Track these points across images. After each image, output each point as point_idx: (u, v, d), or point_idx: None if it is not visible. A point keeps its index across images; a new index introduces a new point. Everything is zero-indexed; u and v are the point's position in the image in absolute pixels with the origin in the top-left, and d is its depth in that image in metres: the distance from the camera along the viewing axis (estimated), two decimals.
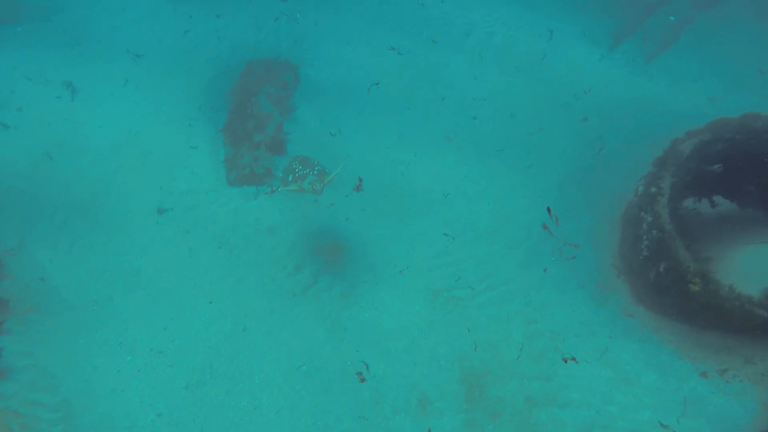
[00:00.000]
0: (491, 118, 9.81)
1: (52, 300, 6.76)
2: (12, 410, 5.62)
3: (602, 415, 5.93)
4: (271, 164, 8.64)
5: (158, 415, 6.05)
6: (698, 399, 6.01)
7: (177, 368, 6.44)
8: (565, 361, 6.37)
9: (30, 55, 9.96)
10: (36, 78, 9.51)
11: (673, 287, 6.68)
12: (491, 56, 11.07)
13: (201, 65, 10.29)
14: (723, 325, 6.60)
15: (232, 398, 6.25)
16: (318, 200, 8.00)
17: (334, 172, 6.61)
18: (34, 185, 8.05)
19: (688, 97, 10.17)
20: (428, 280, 7.47)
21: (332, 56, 10.76)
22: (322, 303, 7.17)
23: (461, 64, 10.80)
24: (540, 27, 11.44)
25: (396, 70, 10.54)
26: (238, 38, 10.97)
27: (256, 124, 8.94)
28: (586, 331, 6.99)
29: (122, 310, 6.90)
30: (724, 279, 6.29)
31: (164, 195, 8.18)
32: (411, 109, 9.93)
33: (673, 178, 7.16)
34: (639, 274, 7.44)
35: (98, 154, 8.59)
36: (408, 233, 8.05)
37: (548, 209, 7.15)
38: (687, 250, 6.68)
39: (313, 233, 7.98)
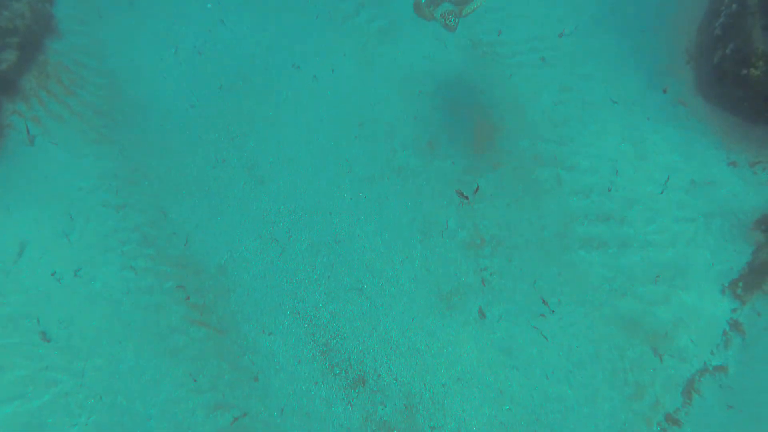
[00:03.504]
0: None
1: None
2: (64, 65, 6.59)
3: (604, 181, 6.03)
4: None
5: (191, 106, 6.83)
6: (713, 182, 5.89)
7: (214, 69, 7.05)
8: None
9: None
10: None
11: (734, 70, 6.17)
12: None
13: None
14: None
15: (259, 104, 6.83)
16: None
17: (477, 2, 5.34)
18: None
19: None
20: (473, 32, 7.30)
21: None
22: (359, 35, 7.32)
23: None
24: None
25: None
26: None
27: None
28: (624, 108, 6.76)
29: (172, 3, 7.44)
30: None
31: None
32: None
33: None
34: (706, 57, 6.87)
35: None
36: None
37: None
38: (764, 31, 5.99)
39: None
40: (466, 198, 5.86)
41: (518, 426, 4.80)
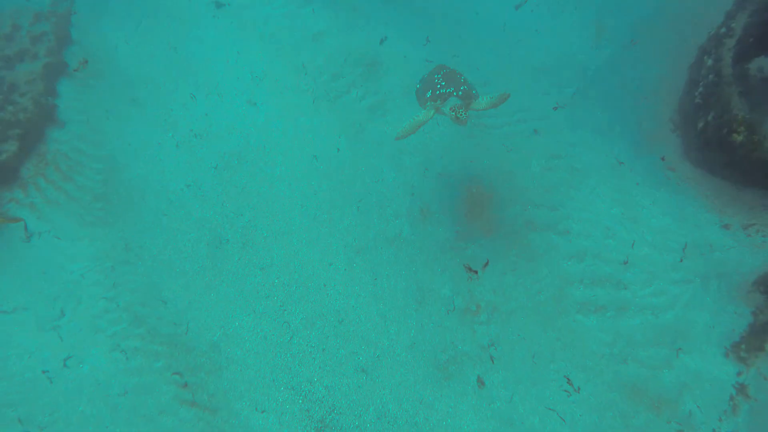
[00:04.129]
0: None
1: (112, 71, 7.79)
2: (63, 152, 6.83)
3: (598, 245, 6.07)
4: None
5: (187, 185, 7.00)
6: (707, 245, 5.91)
7: (210, 150, 7.30)
8: None
9: None
10: None
11: (717, 136, 6.38)
12: None
13: None
14: (763, 180, 6.30)
15: (254, 184, 7.01)
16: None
17: (486, 100, 5.38)
18: None
19: None
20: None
21: None
22: (350, 111, 7.63)
23: None
24: None
25: None
26: None
27: None
28: (612, 173, 6.92)
29: (172, 92, 7.81)
30: None
31: None
32: None
33: (750, 19, 6.52)
34: (690, 125, 7.11)
35: None
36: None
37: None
38: (741, 98, 6.25)
39: (353, 48, 8.29)
40: (475, 272, 5.83)
41: None
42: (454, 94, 5.24)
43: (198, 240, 6.26)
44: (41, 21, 7.77)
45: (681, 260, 5.71)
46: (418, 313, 5.59)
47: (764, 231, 5.94)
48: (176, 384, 5.17)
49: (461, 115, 5.05)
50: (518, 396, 4.96)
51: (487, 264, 5.83)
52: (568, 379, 4.97)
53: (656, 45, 8.40)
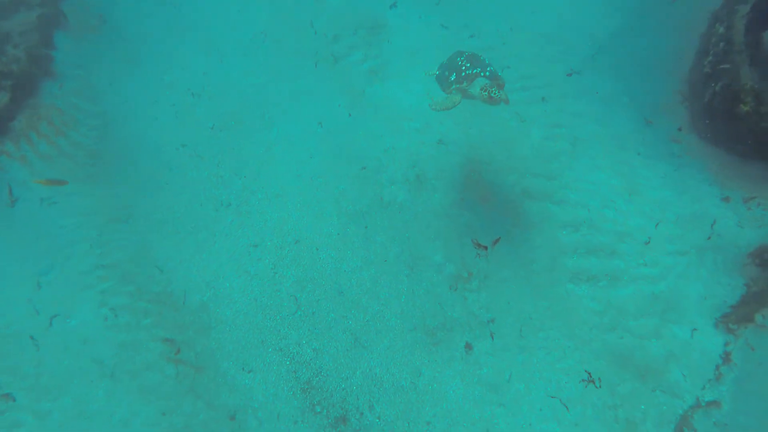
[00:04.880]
0: None
1: (108, 29, 7.73)
2: (57, 107, 6.81)
3: (594, 215, 6.02)
4: None
5: (182, 145, 6.98)
6: (704, 216, 5.87)
7: (207, 110, 7.26)
8: None
9: None
10: None
11: (724, 107, 6.25)
12: None
13: None
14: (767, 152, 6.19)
15: (251, 145, 6.97)
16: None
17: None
18: None
19: None
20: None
21: None
22: (350, 74, 7.54)
23: None
24: None
25: None
26: None
27: None
28: (614, 144, 6.82)
29: (169, 48, 7.74)
30: None
31: None
32: None
33: None
34: (698, 96, 6.97)
35: None
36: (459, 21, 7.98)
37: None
38: (751, 67, 6.10)
39: (359, 6, 8.15)
40: (485, 248, 5.72)
41: None
42: (481, 74, 4.95)
43: (191, 200, 6.26)
44: None
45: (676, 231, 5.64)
46: (409, 279, 5.60)
47: (765, 204, 5.87)
48: (163, 341, 5.23)
49: (495, 93, 4.75)
50: (505, 363, 4.98)
51: (498, 241, 5.71)
52: (589, 374, 4.89)
53: (666, 13, 8.19)
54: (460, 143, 6.62)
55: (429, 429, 4.73)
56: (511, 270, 5.51)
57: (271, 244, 5.97)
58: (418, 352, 5.14)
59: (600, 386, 4.75)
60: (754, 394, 4.43)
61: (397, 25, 7.92)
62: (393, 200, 6.19)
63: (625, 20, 8.28)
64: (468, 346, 5.12)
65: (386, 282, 5.59)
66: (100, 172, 6.41)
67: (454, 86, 5.10)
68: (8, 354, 5.14)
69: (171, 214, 6.16)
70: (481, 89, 4.82)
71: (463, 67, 5.09)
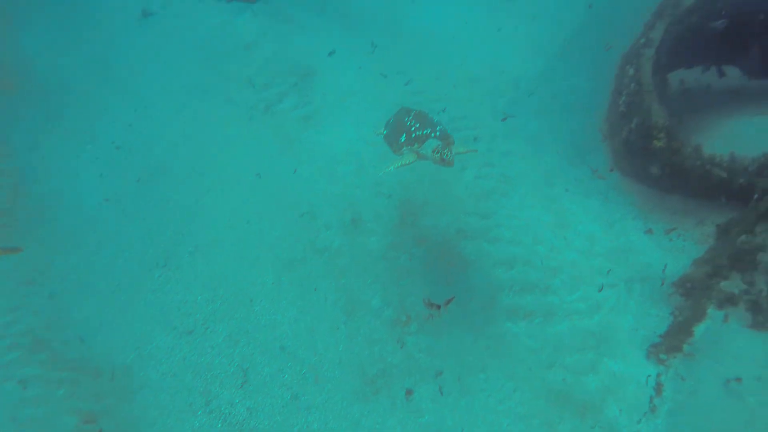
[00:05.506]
0: None
1: (27, 81, 7.46)
2: None
3: (527, 251, 6.13)
4: None
5: (106, 200, 6.73)
6: (631, 249, 6.08)
7: (133, 163, 7.05)
8: None
9: None
10: None
11: (640, 143, 6.58)
12: None
13: None
14: (684, 186, 6.49)
15: (180, 196, 6.80)
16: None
17: (463, 146, 5.16)
18: None
19: None
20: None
21: None
22: (282, 121, 7.53)
23: None
24: None
25: None
26: None
27: None
28: (543, 181, 7.03)
29: (93, 101, 7.53)
30: (713, 149, 6.16)
31: None
32: None
33: (667, 29, 6.81)
34: (617, 133, 7.34)
35: None
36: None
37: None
38: (660, 105, 6.49)
39: (289, 55, 8.22)
40: (437, 307, 5.52)
41: None
42: (432, 135, 4.92)
43: (114, 257, 5.99)
44: None
45: (606, 266, 5.81)
46: (347, 326, 5.49)
47: (685, 235, 6.14)
48: (79, 414, 4.86)
49: (447, 155, 4.69)
50: (447, 408, 4.90)
51: (451, 300, 5.55)
52: None
53: (587, 56, 8.67)
54: (395, 186, 6.66)
55: None
56: (450, 311, 5.50)
57: (201, 298, 5.75)
58: (357, 403, 4.99)
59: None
60: (687, 425, 4.51)
61: (329, 72, 8.02)
62: (329, 246, 6.12)
63: (548, 63, 8.69)
64: (408, 392, 5.01)
65: (323, 330, 5.45)
66: (13, 232, 6.05)
67: (405, 147, 5.04)
68: None
69: (91, 273, 5.86)
70: (433, 151, 4.78)
71: (413, 128, 5.03)
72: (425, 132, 4.95)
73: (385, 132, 5.42)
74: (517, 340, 5.26)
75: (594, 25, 9.01)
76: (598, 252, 5.99)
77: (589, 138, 7.73)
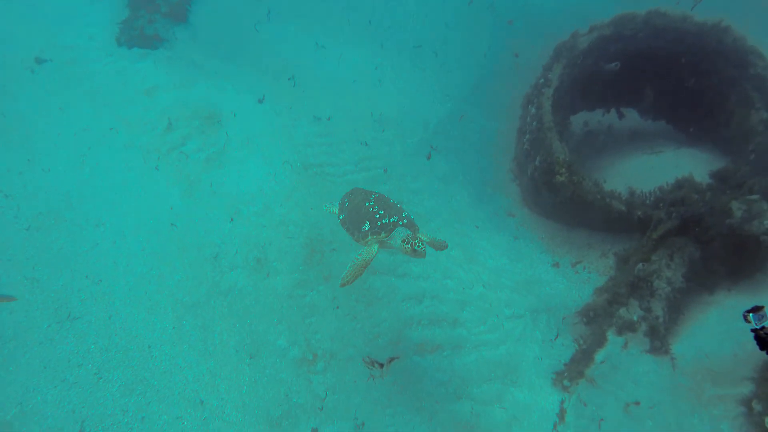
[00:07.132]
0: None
1: None
2: None
3: (436, 285, 6.31)
4: (166, 30, 8.90)
5: None
6: (538, 281, 6.39)
7: (22, 211, 6.78)
8: None
9: None
10: None
11: (544, 179, 7.02)
12: None
13: None
14: (587, 220, 6.94)
15: (73, 244, 6.57)
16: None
17: (429, 235, 4.94)
18: None
19: None
20: (303, 155, 7.78)
21: None
22: (185, 164, 7.51)
23: None
24: None
25: None
26: None
27: None
28: (453, 218, 7.33)
29: None
30: (613, 186, 6.68)
31: (46, 45, 8.45)
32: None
33: (564, 70, 7.42)
34: (523, 172, 7.79)
35: None
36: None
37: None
38: (561, 142, 6.99)
39: (192, 99, 8.28)
40: (380, 366, 5.31)
41: None
42: (400, 223, 4.69)
43: None
44: None
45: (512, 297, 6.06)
46: (251, 368, 5.41)
47: (590, 267, 6.53)
48: None
49: (419, 246, 4.44)
50: None
51: (393, 359, 5.37)
52: None
53: (494, 100, 9.23)
54: (302, 224, 6.74)
55: None
56: (357, 348, 5.54)
57: (95, 347, 5.52)
58: None
59: None
60: None
61: (235, 115, 8.12)
62: (233, 286, 6.08)
63: (456, 106, 9.20)
64: None
65: (226, 374, 5.35)
66: None
67: (370, 236, 4.71)
68: None
69: None
70: (403, 241, 4.51)
71: (377, 215, 4.74)
72: (392, 220, 4.69)
73: (341, 217, 5.13)
74: (425, 373, 5.34)
75: (501, 70, 9.63)
76: (506, 284, 6.26)
77: (499, 177, 8.16)
